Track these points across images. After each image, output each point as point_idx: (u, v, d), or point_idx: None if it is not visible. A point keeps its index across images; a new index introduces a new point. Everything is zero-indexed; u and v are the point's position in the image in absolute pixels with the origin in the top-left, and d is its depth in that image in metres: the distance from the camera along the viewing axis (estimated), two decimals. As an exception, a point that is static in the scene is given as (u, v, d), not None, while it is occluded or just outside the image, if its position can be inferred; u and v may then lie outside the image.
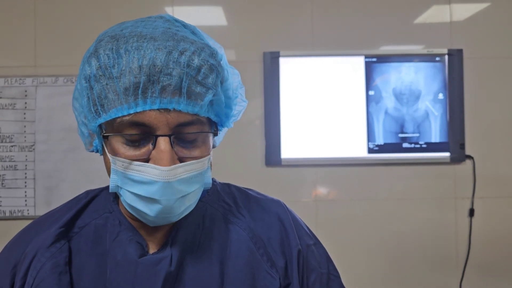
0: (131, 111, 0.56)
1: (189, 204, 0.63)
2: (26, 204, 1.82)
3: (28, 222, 0.76)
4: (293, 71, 1.87)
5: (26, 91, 1.84)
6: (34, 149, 1.84)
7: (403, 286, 1.90)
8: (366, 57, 1.87)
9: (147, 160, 0.58)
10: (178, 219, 0.63)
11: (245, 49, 1.90)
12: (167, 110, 0.56)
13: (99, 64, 0.56)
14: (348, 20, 1.90)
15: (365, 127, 1.86)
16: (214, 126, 0.66)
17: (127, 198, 0.61)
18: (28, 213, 1.81)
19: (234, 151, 1.88)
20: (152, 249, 0.67)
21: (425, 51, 1.88)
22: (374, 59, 1.87)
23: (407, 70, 1.87)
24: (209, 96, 0.59)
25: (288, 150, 1.86)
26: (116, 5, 1.89)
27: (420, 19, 1.92)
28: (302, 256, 0.70)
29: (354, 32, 1.90)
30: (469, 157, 1.89)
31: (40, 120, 1.84)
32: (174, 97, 0.56)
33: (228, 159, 1.87)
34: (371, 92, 1.87)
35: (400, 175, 1.90)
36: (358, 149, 1.86)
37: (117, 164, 0.59)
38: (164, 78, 0.55)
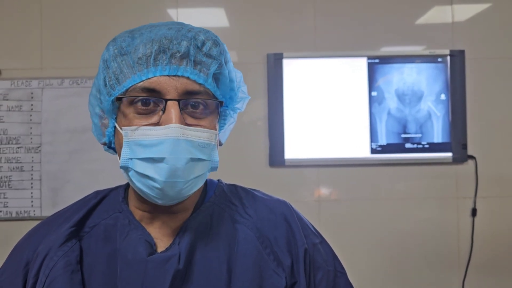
0: (143, 78, 0.61)
1: (198, 174, 0.64)
2: (32, 205, 1.84)
3: (35, 223, 0.78)
4: (296, 72, 1.88)
5: (32, 93, 1.86)
6: (40, 150, 1.85)
7: (406, 285, 1.90)
8: (368, 58, 1.88)
9: (158, 125, 0.62)
10: (187, 194, 0.65)
11: (248, 51, 1.91)
12: (176, 76, 0.61)
13: (115, 46, 0.64)
14: (350, 22, 1.91)
15: (368, 128, 1.87)
16: (220, 105, 0.69)
17: (137, 167, 0.62)
18: (34, 214, 1.83)
19: (238, 152, 1.89)
20: (160, 248, 0.68)
21: (427, 52, 1.88)
22: (377, 60, 1.88)
23: (409, 71, 1.88)
24: (214, 67, 0.64)
25: (292, 150, 1.87)
26: (121, 8, 1.91)
27: (421, 20, 1.93)
28: (308, 254, 0.71)
29: (356, 34, 1.91)
30: (471, 157, 1.90)
31: (46, 122, 1.85)
32: (182, 64, 0.62)
33: (232, 160, 1.87)
34: (373, 93, 1.88)
35: (402, 175, 1.91)
36: (361, 149, 1.87)
37: (129, 134, 0.62)
38: (174, 47, 0.62)
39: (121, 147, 0.64)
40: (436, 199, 1.91)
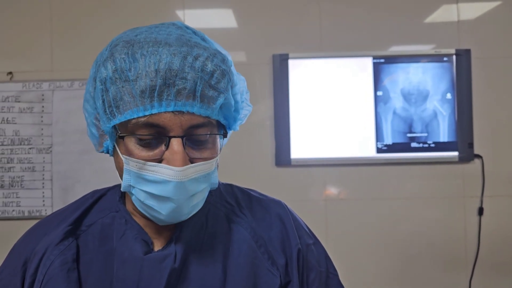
0: (147, 113, 0.58)
1: (197, 202, 0.65)
2: (44, 204, 1.88)
3: (47, 222, 0.79)
4: (302, 72, 1.89)
5: (43, 95, 1.90)
6: (51, 151, 1.89)
7: (413, 284, 1.91)
8: (374, 58, 1.88)
9: (160, 161, 0.60)
10: (187, 217, 0.66)
11: (255, 52, 1.93)
12: (180, 112, 0.58)
13: (115, 67, 0.58)
14: (355, 22, 1.92)
15: (373, 127, 1.88)
16: (222, 129, 0.68)
17: (140, 197, 0.62)
18: (46, 213, 1.87)
19: (244, 152, 1.91)
20: (157, 247, 0.69)
21: (432, 52, 1.88)
22: (382, 60, 1.88)
23: (415, 71, 1.88)
24: (220, 100, 0.61)
25: (298, 150, 1.88)
26: (129, 9, 1.94)
27: (428, 20, 1.92)
28: (302, 255, 0.72)
29: (361, 33, 1.91)
30: (478, 156, 1.89)
31: (56, 123, 1.89)
32: (188, 100, 0.59)
33: (239, 160, 1.91)
34: (379, 93, 1.88)
35: (408, 174, 1.91)
36: (367, 149, 1.88)
37: (130, 164, 0.61)
38: (179, 82, 0.58)
39: (121, 170, 0.64)
40: (442, 198, 1.91)
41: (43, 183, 1.88)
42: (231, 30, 1.95)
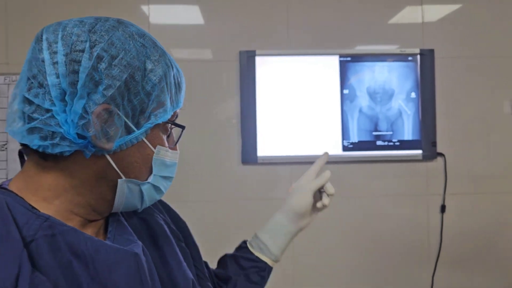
0: (180, 106, 0.69)
1: None
2: (-2, 204, 1.79)
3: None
4: (269, 70, 1.88)
5: (-3, 89, 1.81)
6: (6, 148, 1.80)
7: (378, 280, 1.93)
8: (340, 56, 1.89)
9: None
10: None
11: (221, 48, 1.90)
12: None
13: (174, 72, 0.65)
14: (323, 20, 1.92)
15: (340, 125, 1.89)
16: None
17: (157, 183, 0.66)
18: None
19: (210, 149, 1.89)
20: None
21: (398, 51, 1.91)
22: (349, 58, 1.89)
23: (380, 70, 1.90)
24: None
25: (264, 148, 1.87)
26: (91, 2, 1.87)
27: (393, 20, 1.95)
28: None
29: (328, 32, 1.92)
30: (441, 154, 1.93)
31: (12, 119, 1.80)
32: None
33: (204, 157, 1.89)
34: (345, 91, 1.89)
35: (374, 172, 1.93)
36: (333, 147, 1.89)
37: (161, 153, 0.65)
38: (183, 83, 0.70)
39: (146, 163, 0.64)
40: (406, 196, 1.94)
41: (-3, 182, 1.79)
42: (198, 27, 1.92)
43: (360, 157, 1.90)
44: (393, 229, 1.94)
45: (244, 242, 0.93)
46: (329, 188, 0.90)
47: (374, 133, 1.90)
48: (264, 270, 0.89)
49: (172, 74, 0.64)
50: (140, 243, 0.65)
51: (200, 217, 1.84)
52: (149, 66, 0.61)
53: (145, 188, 0.65)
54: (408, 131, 1.91)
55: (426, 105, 1.91)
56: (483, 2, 1.96)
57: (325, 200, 0.90)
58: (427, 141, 1.91)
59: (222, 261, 0.92)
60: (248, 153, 1.87)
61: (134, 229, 0.69)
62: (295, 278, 1.91)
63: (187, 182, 1.86)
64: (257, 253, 0.90)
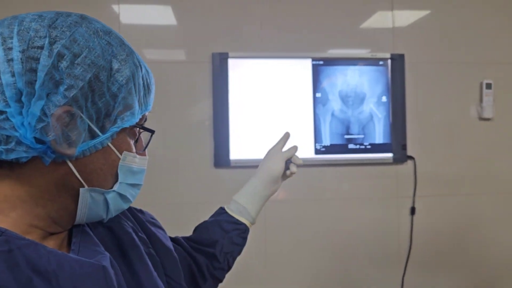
0: (149, 109, 0.65)
1: None
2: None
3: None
4: (242, 72, 1.87)
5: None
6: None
7: (349, 283, 1.94)
8: (313, 59, 1.90)
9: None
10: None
11: (194, 50, 1.88)
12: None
13: (143, 73, 0.62)
14: (296, 23, 1.92)
15: (312, 129, 1.89)
16: None
17: (123, 191, 0.62)
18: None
19: (182, 152, 1.87)
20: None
21: (369, 55, 1.93)
22: (321, 62, 1.90)
23: (352, 74, 1.92)
24: None
25: (237, 151, 1.86)
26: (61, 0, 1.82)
27: (364, 25, 1.97)
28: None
29: (301, 35, 1.92)
30: (411, 157, 1.96)
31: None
32: None
33: (176, 160, 1.86)
34: (318, 95, 1.90)
35: (346, 175, 1.94)
36: (306, 150, 1.89)
37: (127, 159, 0.62)
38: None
39: (111, 169, 0.60)
40: (378, 199, 1.96)
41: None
42: (170, 27, 1.89)
43: (332, 160, 1.91)
44: (363, 231, 1.95)
45: (221, 208, 0.97)
46: (297, 159, 1.03)
47: (346, 136, 1.92)
48: (245, 232, 0.95)
49: (140, 75, 0.61)
50: (107, 254, 0.60)
51: (172, 221, 1.78)
52: (116, 65, 0.57)
53: (110, 197, 0.61)
54: (379, 135, 1.93)
55: (397, 109, 1.94)
56: (451, 8, 2.00)
57: (293, 168, 1.02)
58: (397, 145, 1.94)
59: (203, 227, 0.95)
60: (221, 156, 1.85)
61: (101, 239, 0.65)
62: (266, 279, 1.90)
63: (158, 185, 1.83)
64: (237, 216, 0.95)
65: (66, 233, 0.62)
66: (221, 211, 0.97)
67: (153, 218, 0.81)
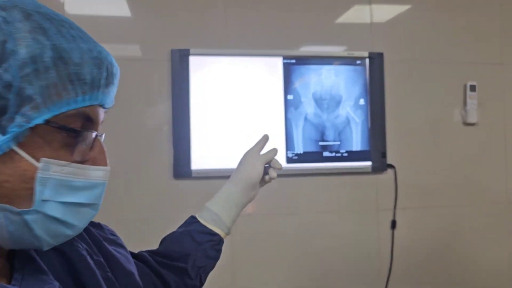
0: (86, 104, 0.52)
1: None
2: None
3: None
4: (205, 71, 1.78)
5: None
6: None
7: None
8: (284, 58, 1.82)
9: (82, 163, 0.54)
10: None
11: (151, 45, 1.80)
12: (103, 106, 0.56)
13: (53, 44, 0.49)
14: (266, 18, 1.85)
15: (283, 135, 1.81)
16: None
17: (52, 211, 0.51)
18: None
19: (138, 162, 1.76)
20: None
21: (345, 54, 1.86)
22: (293, 61, 1.82)
23: (327, 73, 1.84)
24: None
25: (199, 160, 1.77)
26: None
27: (340, 19, 1.90)
28: None
29: (271, 31, 1.85)
30: (391, 166, 1.90)
31: None
32: (113, 95, 0.57)
33: (132, 171, 1.76)
34: (289, 97, 1.82)
35: (320, 186, 1.87)
36: (276, 158, 1.76)
37: (52, 170, 0.50)
38: (115, 74, 0.57)
39: (19, 181, 0.50)
40: (356, 211, 1.90)
41: None
42: (123, 20, 1.80)
43: (305, 170, 1.82)
44: (341, 247, 1.89)
45: (192, 217, 0.91)
46: (276, 163, 0.96)
47: (321, 143, 1.84)
48: (219, 244, 0.89)
49: (65, 56, 0.50)
50: (56, 283, 0.55)
51: (129, 237, 1.66)
52: (10, 46, 0.47)
53: (32, 219, 0.50)
54: (356, 141, 1.86)
55: (376, 113, 1.87)
56: (433, 3, 1.95)
57: (273, 173, 0.95)
58: (376, 152, 1.87)
59: (172, 238, 0.89)
60: (181, 166, 1.75)
61: (49, 265, 0.59)
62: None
63: (108, 199, 1.64)
64: (210, 226, 0.88)
65: (3, 260, 0.55)
66: (193, 220, 0.90)
67: (113, 235, 0.75)
